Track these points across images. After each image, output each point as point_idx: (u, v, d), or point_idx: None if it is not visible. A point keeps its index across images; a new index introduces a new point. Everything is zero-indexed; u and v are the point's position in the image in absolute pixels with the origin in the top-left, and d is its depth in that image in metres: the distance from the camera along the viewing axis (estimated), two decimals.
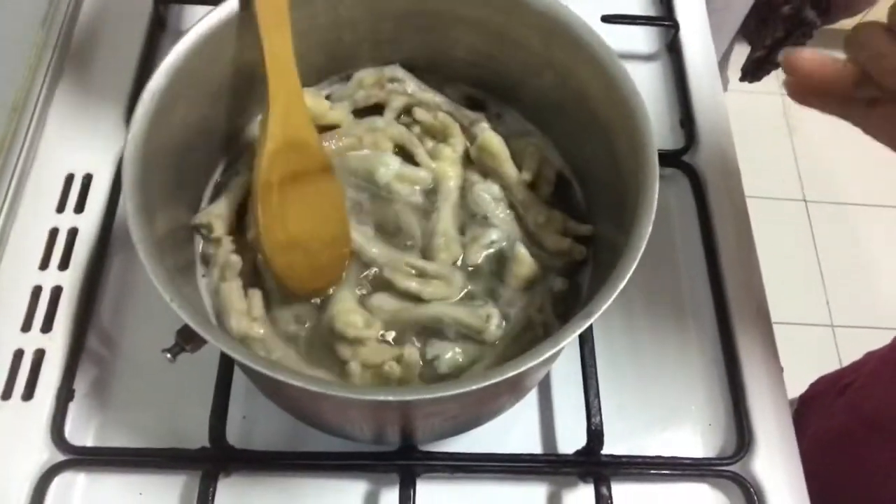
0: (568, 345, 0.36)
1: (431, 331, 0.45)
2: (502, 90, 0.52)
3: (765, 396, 0.54)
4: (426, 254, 0.48)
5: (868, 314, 1.55)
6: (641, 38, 0.70)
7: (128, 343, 0.53)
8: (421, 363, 0.44)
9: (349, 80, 0.52)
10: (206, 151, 0.49)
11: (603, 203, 0.49)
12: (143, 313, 0.54)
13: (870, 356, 0.73)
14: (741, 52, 0.95)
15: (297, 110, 0.45)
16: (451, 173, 0.50)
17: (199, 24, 0.42)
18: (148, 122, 0.40)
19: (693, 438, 0.53)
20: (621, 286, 0.36)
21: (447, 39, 0.50)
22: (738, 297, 0.57)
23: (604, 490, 0.48)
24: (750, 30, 0.90)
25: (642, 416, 0.53)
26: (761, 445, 0.52)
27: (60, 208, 0.57)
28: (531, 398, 0.53)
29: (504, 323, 0.45)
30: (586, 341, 0.52)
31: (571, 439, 0.51)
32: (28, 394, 0.50)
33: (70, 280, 0.54)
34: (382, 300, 0.45)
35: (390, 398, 0.33)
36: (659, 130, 0.65)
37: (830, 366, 0.82)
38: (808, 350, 1.33)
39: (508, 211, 0.49)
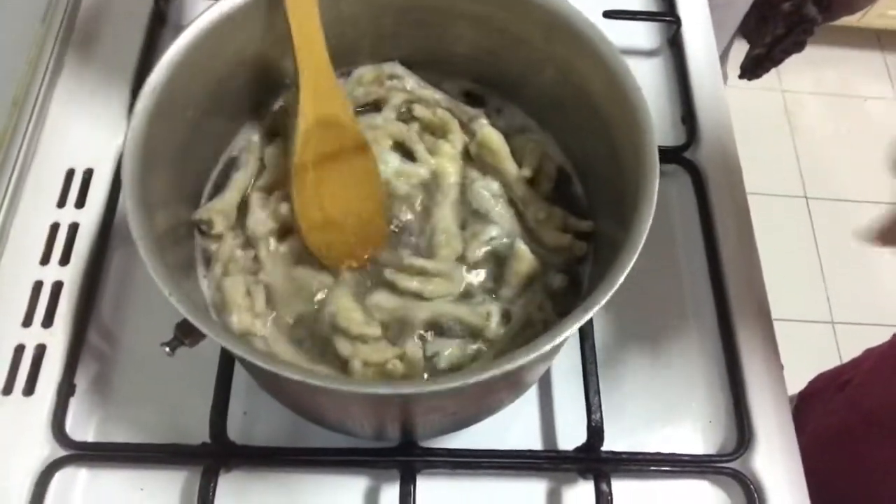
0: (568, 341, 0.35)
1: (432, 328, 0.45)
2: (503, 86, 0.52)
3: (765, 393, 0.54)
4: (427, 251, 0.48)
5: (868, 311, 1.55)
6: (643, 34, 0.70)
7: (129, 338, 0.53)
8: (423, 361, 0.44)
9: (349, 77, 0.52)
10: (207, 146, 0.49)
11: (603, 199, 0.49)
12: (144, 308, 0.54)
13: (869, 353, 0.73)
14: (741, 49, 0.95)
15: (327, 87, 0.45)
16: (451, 170, 0.50)
17: (200, 18, 0.42)
18: (148, 118, 0.40)
19: (693, 435, 0.53)
20: (620, 281, 0.36)
21: (448, 35, 0.50)
22: (738, 293, 0.57)
23: (604, 486, 0.48)
24: (749, 27, 0.90)
25: (642, 412, 0.53)
26: (761, 442, 0.52)
27: (61, 203, 0.57)
28: (531, 394, 0.53)
29: (504, 320, 0.45)
30: (586, 337, 0.52)
31: (571, 436, 0.51)
32: (29, 389, 0.51)
33: (71, 275, 0.54)
34: (382, 298, 0.45)
35: (389, 391, 0.34)
36: (660, 126, 0.65)
37: (831, 362, 0.82)
38: (808, 346, 1.34)
39: (508, 207, 0.49)
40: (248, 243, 0.47)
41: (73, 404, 0.50)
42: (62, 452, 0.48)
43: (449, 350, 0.44)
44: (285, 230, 0.47)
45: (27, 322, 0.53)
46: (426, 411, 0.43)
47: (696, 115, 0.64)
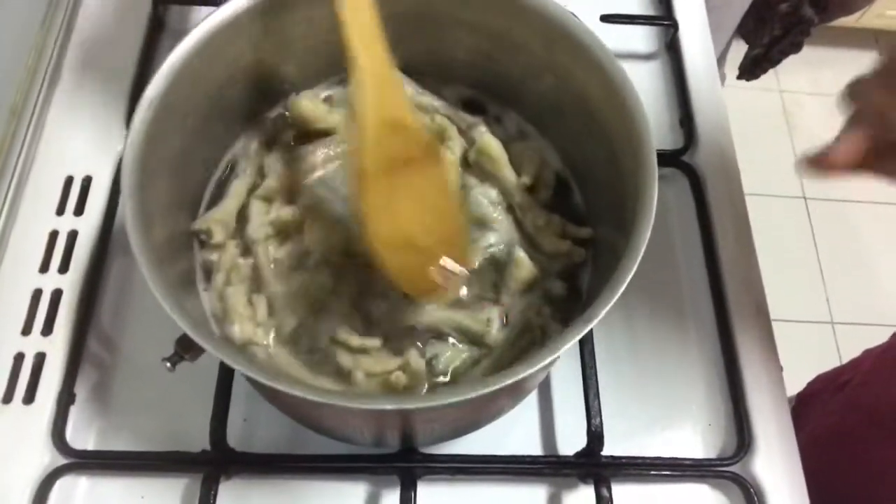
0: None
1: (431, 333, 0.45)
2: (502, 92, 0.52)
3: (764, 396, 0.54)
4: None
5: (868, 311, 1.55)
6: (641, 38, 0.70)
7: (128, 346, 0.53)
8: (425, 370, 0.44)
9: (348, 83, 0.52)
10: (206, 154, 0.49)
11: (602, 205, 0.49)
12: (144, 315, 0.54)
13: (868, 354, 0.73)
14: (738, 50, 0.95)
15: (389, 86, 0.40)
16: (450, 176, 0.49)
17: (199, 26, 0.42)
18: (147, 127, 0.40)
19: (693, 439, 0.53)
20: (621, 290, 0.36)
21: (447, 41, 0.50)
22: (737, 297, 0.57)
23: (604, 491, 0.48)
24: (747, 28, 0.90)
25: (642, 416, 0.53)
26: (761, 446, 0.52)
27: (60, 211, 0.57)
28: (531, 400, 0.53)
29: (504, 326, 0.45)
30: (586, 342, 0.52)
31: (571, 440, 0.51)
32: (29, 397, 0.50)
33: (70, 283, 0.54)
34: (381, 306, 0.45)
35: (390, 407, 0.33)
36: (658, 130, 0.65)
37: (830, 363, 0.82)
38: (807, 347, 1.34)
39: (507, 214, 0.49)
40: (249, 251, 0.46)
41: (74, 412, 0.50)
42: (62, 461, 0.48)
43: (448, 353, 0.45)
44: (285, 237, 0.47)
45: (26, 330, 0.53)
46: (427, 421, 0.43)
47: (693, 118, 0.64)
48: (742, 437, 0.52)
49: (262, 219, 0.47)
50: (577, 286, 0.48)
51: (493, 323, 0.45)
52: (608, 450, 0.50)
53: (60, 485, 0.48)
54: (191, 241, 0.47)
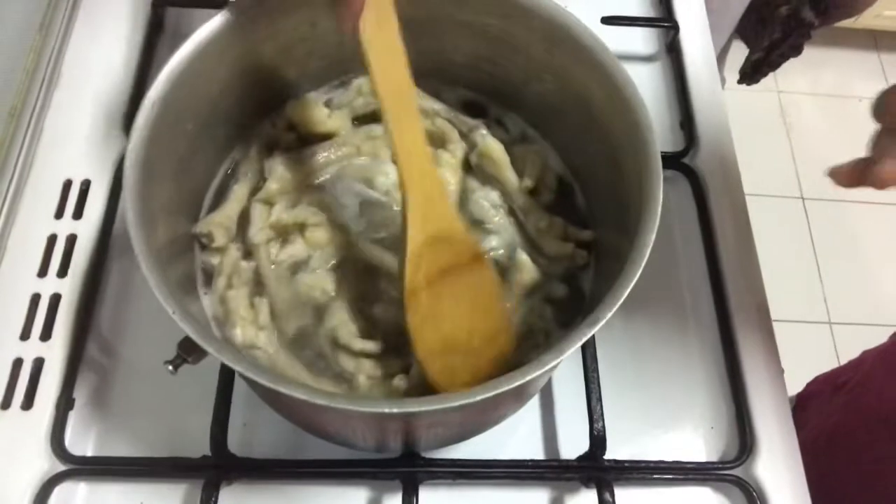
0: None
1: None
2: (503, 95, 0.52)
3: (766, 399, 0.54)
4: None
5: (866, 311, 1.56)
6: (641, 40, 0.70)
7: (127, 351, 0.53)
8: None
9: (348, 87, 0.52)
10: (206, 158, 0.48)
11: (604, 207, 0.48)
12: (143, 320, 0.53)
13: (867, 354, 0.73)
14: (737, 51, 0.95)
15: (436, 200, 0.41)
16: (451, 179, 0.49)
17: (200, 29, 0.42)
18: (149, 129, 0.39)
19: (695, 442, 0.53)
20: (626, 294, 0.36)
21: (448, 44, 0.50)
22: (738, 299, 0.57)
23: (607, 495, 0.48)
24: (747, 32, 0.90)
25: (644, 420, 0.53)
26: (764, 449, 0.52)
27: (59, 214, 0.57)
28: (533, 404, 0.53)
29: None
30: (587, 345, 0.52)
31: (574, 444, 0.51)
32: (27, 403, 0.50)
33: (69, 287, 0.54)
34: (382, 310, 0.45)
35: (393, 411, 0.33)
36: (659, 132, 0.63)
37: (828, 363, 0.82)
38: (806, 347, 1.34)
39: (508, 217, 0.49)
40: (250, 255, 0.46)
41: (72, 418, 0.50)
42: (61, 467, 0.48)
43: None
44: (286, 241, 0.47)
45: (25, 335, 0.52)
46: (430, 425, 0.43)
47: (694, 120, 0.64)
48: (744, 441, 0.52)
49: (263, 222, 0.47)
50: (579, 289, 0.48)
51: None
52: (610, 454, 0.49)
53: (59, 491, 0.47)
54: (191, 245, 0.47)
